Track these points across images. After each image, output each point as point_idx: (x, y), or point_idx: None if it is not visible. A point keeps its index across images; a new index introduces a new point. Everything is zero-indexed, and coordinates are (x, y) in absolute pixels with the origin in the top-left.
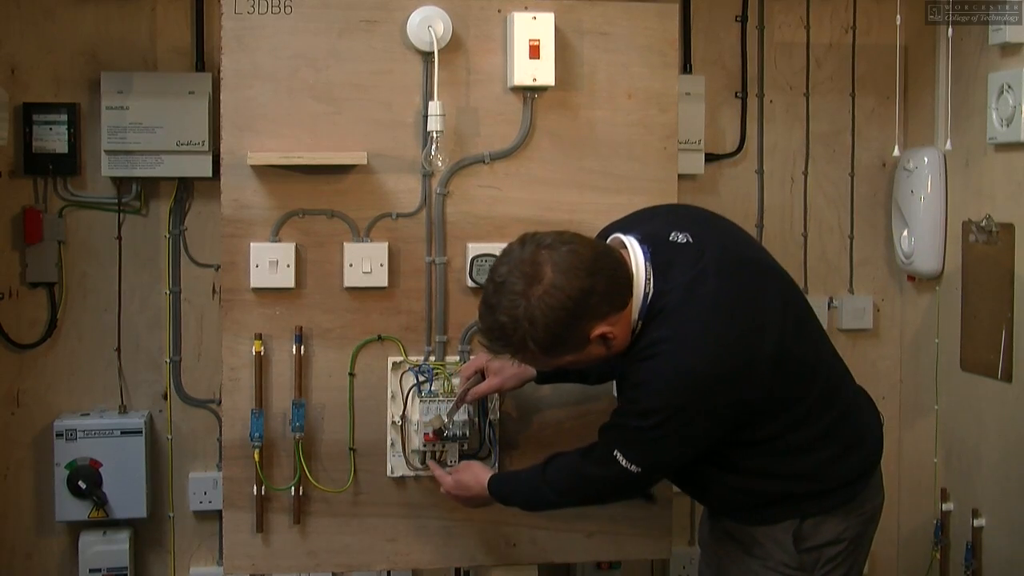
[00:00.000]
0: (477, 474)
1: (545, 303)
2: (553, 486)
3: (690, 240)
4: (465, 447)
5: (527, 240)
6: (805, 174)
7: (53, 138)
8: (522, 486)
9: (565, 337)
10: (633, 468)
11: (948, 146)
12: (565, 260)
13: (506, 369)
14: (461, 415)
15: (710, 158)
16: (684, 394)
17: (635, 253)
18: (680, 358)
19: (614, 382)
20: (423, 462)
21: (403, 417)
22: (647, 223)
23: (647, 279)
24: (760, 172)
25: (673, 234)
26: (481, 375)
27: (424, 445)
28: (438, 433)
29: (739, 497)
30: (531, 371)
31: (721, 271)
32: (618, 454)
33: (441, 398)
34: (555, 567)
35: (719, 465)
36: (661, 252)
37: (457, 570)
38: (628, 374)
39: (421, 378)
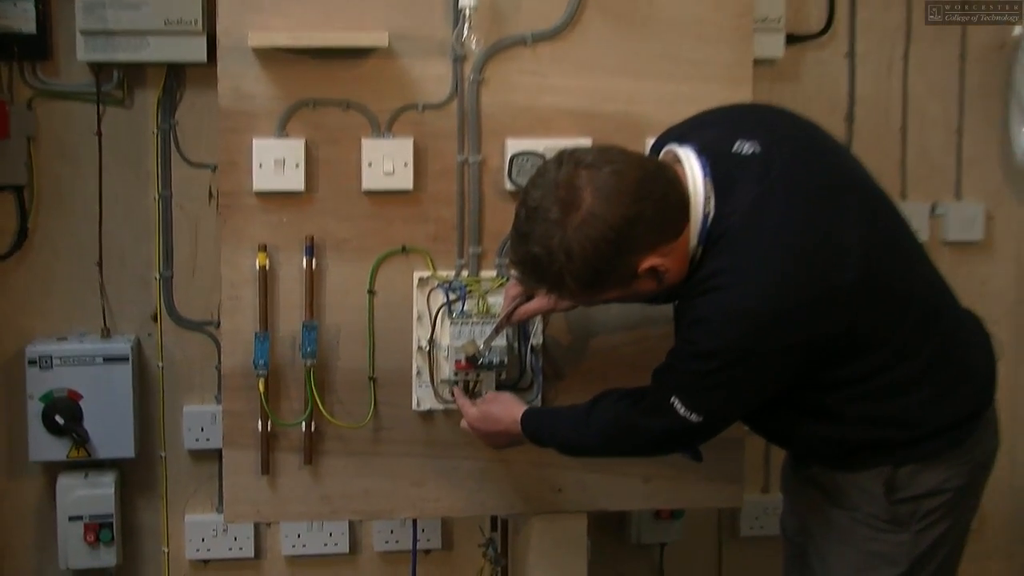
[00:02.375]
0: (508, 406)
1: (584, 234)
2: (598, 432)
3: (757, 150)
4: (503, 376)
5: (565, 158)
6: (905, 58)
7: (18, 16)
8: (561, 426)
9: (608, 272)
10: (693, 417)
11: None
12: (607, 184)
13: None
14: (500, 340)
15: (791, 39)
16: (748, 334)
17: (692, 169)
18: (742, 292)
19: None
20: (453, 393)
21: (431, 342)
22: (707, 130)
23: (706, 199)
24: (851, 56)
25: (738, 143)
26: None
27: (455, 374)
28: (472, 360)
29: (822, 445)
30: None
31: (792, 186)
32: (676, 401)
33: (475, 319)
34: (607, 516)
35: (798, 410)
36: (723, 166)
37: (493, 519)
38: (686, 309)
39: (452, 296)
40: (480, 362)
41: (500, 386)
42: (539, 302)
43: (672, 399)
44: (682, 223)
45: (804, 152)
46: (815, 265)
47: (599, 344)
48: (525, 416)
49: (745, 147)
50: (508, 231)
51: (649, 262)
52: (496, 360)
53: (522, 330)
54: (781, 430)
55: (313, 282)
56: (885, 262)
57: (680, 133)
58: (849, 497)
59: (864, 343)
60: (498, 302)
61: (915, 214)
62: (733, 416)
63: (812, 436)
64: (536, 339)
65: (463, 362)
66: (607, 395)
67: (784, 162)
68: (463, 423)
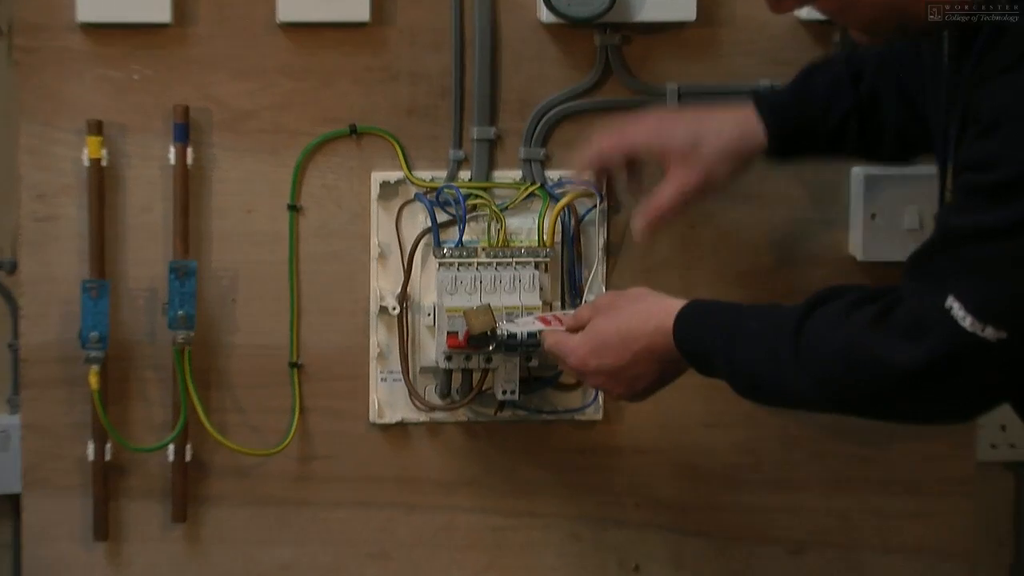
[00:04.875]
0: (648, 306)
1: None
2: (811, 367)
3: None
4: (533, 362)
5: None
6: None
7: None
8: (750, 342)
9: None
10: (987, 332)
11: None
12: None
13: (706, 139)
14: (532, 294)
15: None
16: None
17: None
18: None
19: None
20: (445, 392)
21: (403, 299)
22: None
23: None
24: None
25: None
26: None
27: (447, 358)
28: (479, 340)
29: None
30: (754, 130)
31: None
32: (954, 304)
33: (484, 259)
34: None
35: None
36: None
37: None
38: (970, 109)
39: (442, 216)
40: (499, 341)
41: (532, 378)
42: (679, 183)
43: (948, 301)
44: None
45: None
46: None
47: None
48: (683, 316)
49: None
50: (551, 95)
51: None
52: (524, 334)
53: (569, 279)
54: None
55: (188, 191)
56: None
57: None
58: None
59: None
60: (524, 227)
61: None
62: None
63: None
64: (595, 296)
65: (463, 338)
66: (825, 301)
67: None
68: (569, 359)
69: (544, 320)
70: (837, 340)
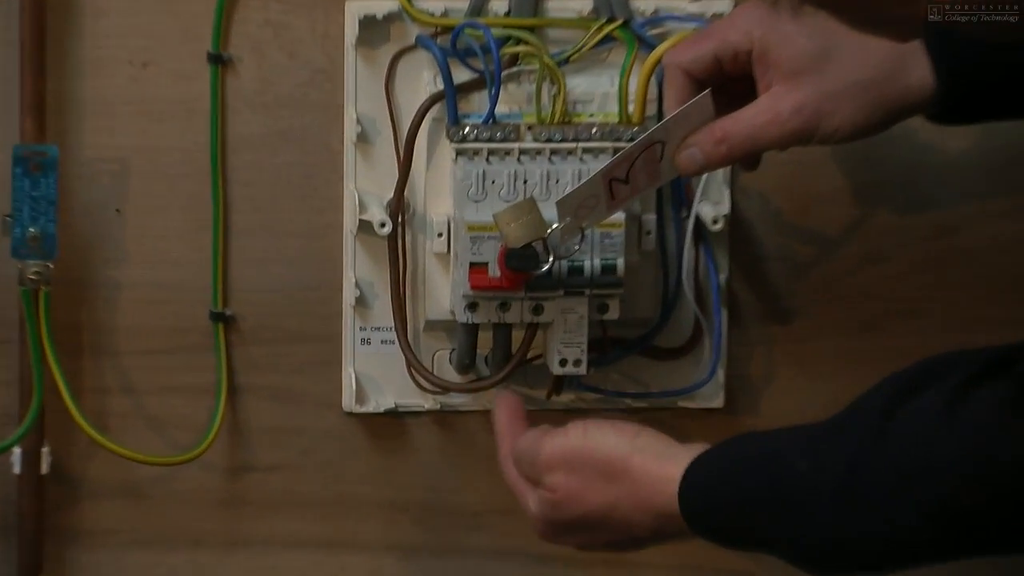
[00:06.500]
0: (636, 486)
1: None
2: (914, 493)
3: None
4: (610, 312)
5: None
6: None
7: None
8: (802, 497)
9: None
10: None
11: None
12: None
13: (839, 61)
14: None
15: None
16: None
17: None
18: None
19: None
20: (466, 362)
21: (397, 213)
22: None
23: None
24: None
25: None
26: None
27: (470, 307)
28: (523, 262)
29: None
30: (914, 69)
31: None
32: None
33: (532, 142)
34: None
35: None
36: None
37: None
38: None
39: (462, 73)
40: (545, 266)
41: (608, 338)
42: (773, 101)
43: None
44: None
45: None
46: None
47: (893, 250)
48: (691, 492)
49: None
50: None
51: None
52: (594, 264)
53: (674, 188)
54: None
55: (44, 30)
56: None
57: None
58: None
59: None
60: (596, 92)
61: None
62: None
63: None
64: (715, 207)
65: (499, 268)
66: (912, 391)
67: None
68: (524, 506)
69: (612, 192)
70: (952, 447)
